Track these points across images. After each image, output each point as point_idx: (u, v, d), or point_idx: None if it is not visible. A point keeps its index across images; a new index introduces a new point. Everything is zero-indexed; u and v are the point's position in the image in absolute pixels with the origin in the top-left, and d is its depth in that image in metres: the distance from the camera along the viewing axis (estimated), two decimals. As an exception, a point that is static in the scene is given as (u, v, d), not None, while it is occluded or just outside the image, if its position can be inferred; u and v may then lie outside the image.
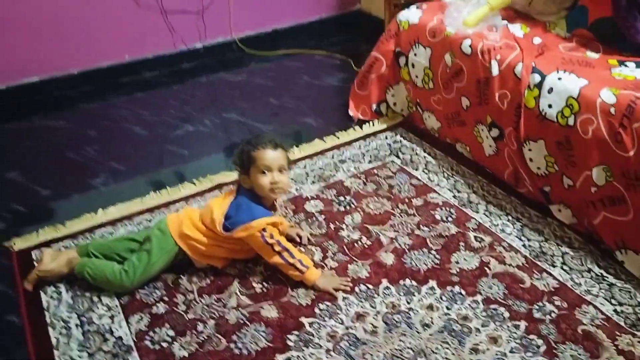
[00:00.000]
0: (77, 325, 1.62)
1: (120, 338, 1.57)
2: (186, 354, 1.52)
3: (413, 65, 2.33)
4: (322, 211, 2.01)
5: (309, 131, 2.54)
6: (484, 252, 1.80)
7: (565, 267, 1.74)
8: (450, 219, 1.95)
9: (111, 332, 1.59)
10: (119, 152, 2.45)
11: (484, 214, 1.97)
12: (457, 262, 1.77)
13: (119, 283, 1.66)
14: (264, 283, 1.72)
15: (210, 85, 3.04)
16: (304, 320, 1.60)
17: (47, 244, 1.93)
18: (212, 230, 1.68)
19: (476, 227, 1.91)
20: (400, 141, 2.41)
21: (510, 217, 1.95)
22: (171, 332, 1.58)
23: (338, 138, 2.45)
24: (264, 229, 1.62)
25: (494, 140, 2.03)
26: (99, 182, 2.26)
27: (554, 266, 1.74)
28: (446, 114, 2.25)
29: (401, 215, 1.97)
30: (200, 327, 1.59)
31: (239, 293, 1.69)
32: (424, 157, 2.29)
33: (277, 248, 1.62)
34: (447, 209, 2.00)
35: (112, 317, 1.64)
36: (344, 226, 1.94)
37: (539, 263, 1.75)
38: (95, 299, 1.70)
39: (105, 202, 2.09)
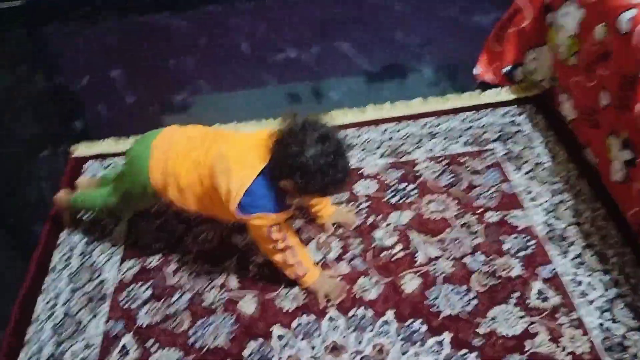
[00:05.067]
0: (79, 255, 1.62)
1: (103, 282, 1.53)
2: (146, 323, 1.42)
3: (560, 28, 1.70)
4: (370, 197, 1.67)
5: (415, 84, 2.11)
6: (539, 317, 1.33)
7: (648, 380, 1.20)
8: (521, 254, 1.46)
9: (100, 273, 1.56)
10: (213, 69, 2.32)
11: (573, 260, 1.44)
12: (494, 319, 1.33)
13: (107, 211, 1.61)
14: (264, 268, 1.51)
15: (335, 2, 2.65)
16: (275, 329, 1.37)
17: (101, 156, 1.94)
18: (214, 195, 1.35)
19: (549, 277, 1.41)
20: (520, 124, 1.85)
21: (607, 278, 1.39)
22: (147, 293, 1.49)
23: (445, 102, 1.98)
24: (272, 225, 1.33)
25: (625, 165, 1.42)
26: (178, 100, 2.18)
27: (630, 372, 1.21)
28: (582, 106, 1.63)
29: (461, 230, 1.54)
30: (175, 296, 1.47)
31: (232, 270, 1.52)
32: (538, 154, 1.73)
33: (280, 245, 1.34)
34: (525, 239, 1.50)
35: (110, 256, 1.60)
36: (384, 224, 1.58)
37: (609, 360, 1.24)
38: (108, 230, 1.68)
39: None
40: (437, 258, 1.48)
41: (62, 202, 1.67)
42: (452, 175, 1.70)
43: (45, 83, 2.39)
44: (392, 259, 1.49)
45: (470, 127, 1.86)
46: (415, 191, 1.67)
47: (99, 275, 1.55)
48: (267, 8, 2.67)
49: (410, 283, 1.43)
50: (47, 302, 1.50)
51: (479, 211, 1.58)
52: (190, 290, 1.48)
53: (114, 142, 1.99)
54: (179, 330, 1.40)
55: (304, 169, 1.19)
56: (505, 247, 1.48)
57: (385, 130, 1.89)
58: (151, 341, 1.38)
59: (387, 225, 1.58)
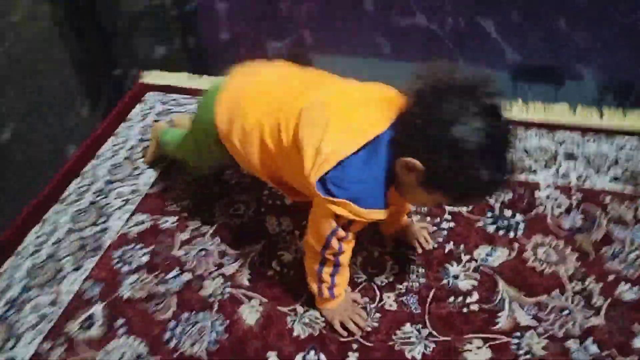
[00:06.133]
0: (95, 192, 1.36)
1: (104, 231, 1.26)
2: (125, 296, 1.12)
3: None
4: (458, 216, 1.22)
5: (567, 91, 1.59)
6: None
7: None
8: (659, 361, 0.95)
9: (107, 219, 1.29)
10: (325, 23, 1.96)
11: None
12: None
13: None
14: (290, 270, 1.14)
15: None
16: (271, 358, 1.00)
17: (167, 89, 1.68)
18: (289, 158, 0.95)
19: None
20: None
21: None
22: (144, 259, 1.19)
23: (601, 117, 1.45)
24: (343, 228, 0.91)
25: None
26: (274, 48, 1.86)
27: None
28: None
29: (575, 298, 1.05)
30: (171, 274, 1.16)
31: (250, 261, 1.17)
32: None
33: (328, 254, 0.95)
34: (673, 340, 0.97)
35: (126, 202, 1.33)
36: (465, 259, 1.13)
37: None
38: (136, 173, 1.40)
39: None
40: (527, 328, 1.01)
41: (155, 133, 1.40)
42: (583, 216, 1.20)
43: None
44: (462, 310, 1.04)
45: (630, 158, 1.33)
46: (524, 225, 1.19)
47: (105, 222, 1.28)
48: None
49: (476, 353, 0.98)
50: (39, 237, 1.26)
51: (610, 278, 1.08)
52: (193, 270, 1.16)
53: (187, 77, 1.72)
54: (159, 317, 1.08)
55: (450, 147, 0.79)
56: (636, 343, 0.97)
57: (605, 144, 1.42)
58: (122, 321, 1.08)
59: (470, 260, 1.13)
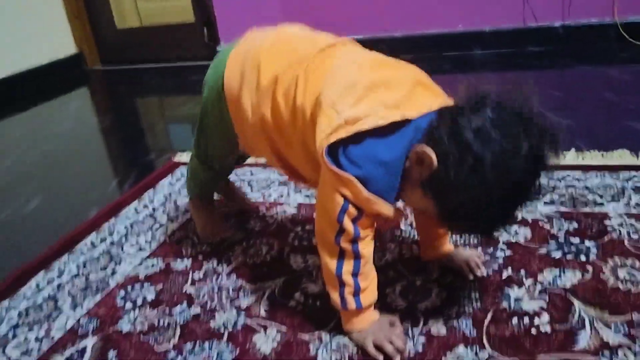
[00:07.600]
0: (111, 242, 1.26)
1: (112, 274, 1.13)
2: (123, 330, 0.95)
3: None
4: (515, 245, 1.04)
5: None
6: None
7: None
8: None
9: (118, 262, 1.16)
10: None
11: None
12: None
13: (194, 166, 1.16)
14: (315, 300, 0.96)
15: (563, 78, 2.15)
16: (287, 387, 0.79)
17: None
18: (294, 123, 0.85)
19: None
20: None
21: None
22: (150, 296, 1.04)
23: (670, 159, 1.29)
24: (355, 206, 0.77)
25: None
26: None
27: None
28: None
29: None
30: (178, 308, 0.99)
31: (269, 294, 0.99)
32: None
33: (344, 241, 0.79)
34: None
35: (140, 249, 1.21)
36: (528, 282, 0.93)
37: None
38: (157, 225, 1.30)
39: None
40: (617, 347, 0.77)
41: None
42: (662, 242, 1.00)
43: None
44: (530, 332, 0.82)
45: None
46: (596, 249, 0.99)
47: (115, 266, 1.16)
48: (456, 82, 2.30)
49: (552, 380, 0.74)
50: (40, 282, 1.14)
51: None
52: (204, 305, 0.99)
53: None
54: (157, 349, 0.90)
55: (477, 164, 0.69)
56: None
57: (564, 177, 1.27)
58: (114, 352, 0.90)
59: (534, 284, 0.93)
